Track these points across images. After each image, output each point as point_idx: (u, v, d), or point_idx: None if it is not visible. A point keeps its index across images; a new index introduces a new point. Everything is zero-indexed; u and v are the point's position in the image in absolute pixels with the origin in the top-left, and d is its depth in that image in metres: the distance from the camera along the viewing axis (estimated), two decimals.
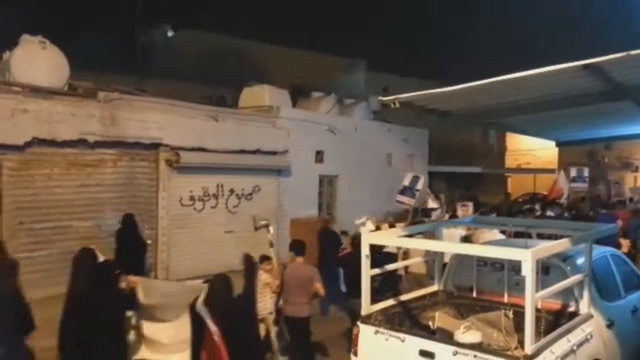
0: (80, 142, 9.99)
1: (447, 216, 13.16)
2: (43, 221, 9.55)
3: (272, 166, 13.58)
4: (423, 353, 5.05)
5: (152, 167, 11.26)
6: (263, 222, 8.18)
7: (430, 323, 6.12)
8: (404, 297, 6.52)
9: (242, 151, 12.74)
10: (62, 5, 18.36)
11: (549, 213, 13.27)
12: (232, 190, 12.71)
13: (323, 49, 21.36)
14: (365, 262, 5.75)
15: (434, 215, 13.07)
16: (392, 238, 6.64)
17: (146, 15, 20.70)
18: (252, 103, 14.53)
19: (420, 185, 11.83)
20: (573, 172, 15.97)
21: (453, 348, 4.92)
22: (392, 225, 10.95)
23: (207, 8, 21.64)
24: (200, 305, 4.85)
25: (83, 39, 18.00)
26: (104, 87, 11.18)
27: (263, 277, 7.02)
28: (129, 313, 5.55)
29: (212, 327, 4.70)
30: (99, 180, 10.34)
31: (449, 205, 15.33)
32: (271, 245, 7.38)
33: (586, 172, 15.91)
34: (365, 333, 5.56)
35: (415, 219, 11.83)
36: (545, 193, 23.10)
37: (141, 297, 5.48)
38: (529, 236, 6.87)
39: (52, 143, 9.61)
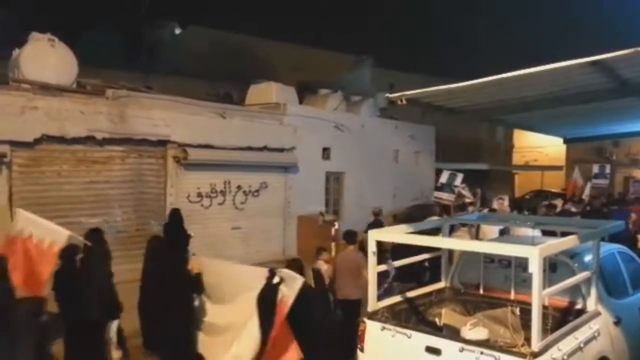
0: (89, 139, 10.06)
1: (485, 210, 13.41)
2: (52, 217, 9.51)
3: (279, 163, 13.61)
4: (429, 349, 5.06)
5: (160, 164, 11.32)
6: (330, 219, 10.10)
7: (437, 320, 6.15)
8: (411, 294, 6.54)
9: (249, 148, 12.78)
10: (70, 4, 18.45)
11: (572, 209, 13.64)
12: (239, 187, 12.76)
13: (330, 46, 21.37)
14: (372, 259, 5.77)
15: (470, 209, 13.36)
16: (398, 235, 6.65)
17: (153, 13, 20.76)
18: (259, 100, 14.57)
19: (458, 182, 12.32)
20: (595, 168, 16.19)
21: (459, 344, 4.93)
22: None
23: (213, 6, 21.67)
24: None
25: (91, 36, 18.09)
26: (112, 85, 11.25)
27: (323, 267, 7.55)
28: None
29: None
30: (107, 177, 10.42)
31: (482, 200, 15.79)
32: (333, 240, 7.96)
33: (608, 168, 16.27)
34: (372, 329, 5.58)
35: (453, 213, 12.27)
36: (554, 190, 23.12)
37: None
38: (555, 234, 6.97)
39: (61, 140, 9.69)
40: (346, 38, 21.79)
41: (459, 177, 12.38)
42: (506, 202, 13.23)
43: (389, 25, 24.70)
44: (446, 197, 12.25)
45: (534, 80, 6.62)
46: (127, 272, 7.44)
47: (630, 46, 5.25)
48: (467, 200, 13.84)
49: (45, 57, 10.14)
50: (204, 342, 5.84)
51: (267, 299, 5.16)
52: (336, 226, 8.66)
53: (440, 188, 12.49)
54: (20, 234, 6.42)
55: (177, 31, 23.65)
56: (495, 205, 13.11)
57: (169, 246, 7.08)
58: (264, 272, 5.43)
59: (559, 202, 14.70)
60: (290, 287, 5.11)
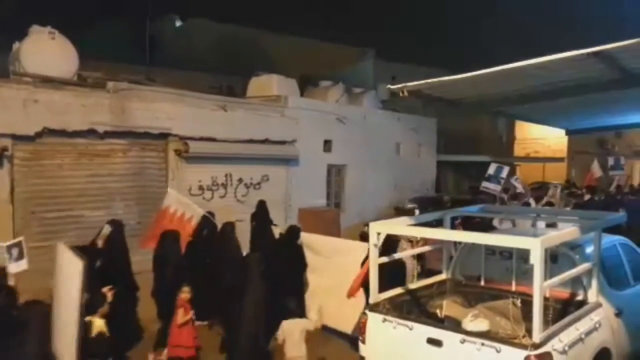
0: (90, 132, 10.05)
1: (533, 202, 14.08)
2: (54, 211, 9.65)
3: (281, 156, 13.59)
4: (431, 341, 5.08)
5: (162, 156, 11.32)
6: (411, 206, 12.07)
7: (438, 311, 6.16)
8: (412, 286, 6.55)
9: (250, 141, 12.76)
10: None
11: (596, 198, 14.35)
12: (240, 180, 12.76)
13: (331, 38, 21.26)
14: (373, 251, 5.77)
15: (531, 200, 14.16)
16: (401, 227, 6.65)
17: (155, 6, 20.68)
18: (260, 92, 14.53)
19: (504, 174, 13.38)
20: (611, 161, 16.96)
21: (461, 336, 4.94)
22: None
23: None
24: None
25: (93, 29, 18.06)
26: (113, 78, 11.23)
27: (404, 245, 8.26)
28: None
29: None
30: (109, 170, 10.42)
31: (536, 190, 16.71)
32: None
33: (623, 160, 17.05)
34: (373, 321, 5.60)
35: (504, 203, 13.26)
36: (555, 182, 23.12)
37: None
38: None
39: (62, 133, 9.68)
40: (350, 29, 21.64)
41: (505, 170, 13.42)
42: (558, 191, 14.15)
43: (394, 16, 24.57)
44: (493, 187, 13.29)
45: (536, 72, 6.61)
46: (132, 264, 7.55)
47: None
48: (518, 191, 14.64)
49: (46, 50, 10.11)
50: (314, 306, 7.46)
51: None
52: (417, 213, 9.86)
53: (487, 179, 13.50)
54: (168, 208, 8.40)
55: (178, 24, 23.61)
56: (550, 192, 14.12)
57: (255, 233, 9.55)
58: (361, 246, 7.05)
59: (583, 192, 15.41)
60: None
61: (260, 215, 10.35)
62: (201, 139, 11.69)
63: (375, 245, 5.75)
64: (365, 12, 24.13)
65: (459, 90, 7.93)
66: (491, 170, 13.60)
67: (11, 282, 5.90)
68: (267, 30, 21.35)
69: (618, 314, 5.82)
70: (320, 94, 16.47)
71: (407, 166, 17.82)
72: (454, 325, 5.46)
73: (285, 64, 17.23)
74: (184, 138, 11.39)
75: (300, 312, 6.75)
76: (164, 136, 11.22)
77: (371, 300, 5.78)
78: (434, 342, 5.05)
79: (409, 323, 5.32)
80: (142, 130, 10.77)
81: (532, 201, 13.79)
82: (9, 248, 6.25)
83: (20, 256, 6.29)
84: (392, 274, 6.47)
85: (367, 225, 6.18)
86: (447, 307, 6.18)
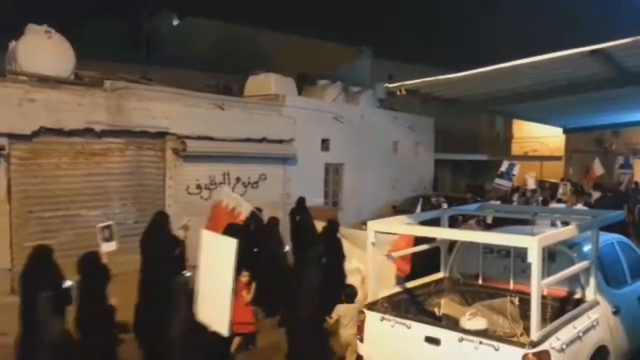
0: (87, 131, 10.03)
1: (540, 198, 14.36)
2: (51, 210, 9.62)
3: (278, 154, 13.58)
4: (429, 339, 5.07)
5: (159, 155, 11.30)
6: (441, 199, 12.83)
7: (436, 310, 6.16)
8: (410, 284, 6.54)
9: (248, 140, 12.74)
10: None
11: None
12: (238, 179, 12.75)
13: (329, 37, 21.26)
14: (371, 250, 5.76)
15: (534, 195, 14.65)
16: (398, 225, 6.64)
17: (153, 4, 20.63)
18: (257, 91, 14.51)
19: (516, 171, 14.01)
20: (620, 160, 17.88)
21: (459, 334, 4.93)
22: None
23: None
24: None
25: (90, 28, 18.00)
26: (110, 76, 11.20)
27: None
28: None
29: None
30: (106, 169, 10.40)
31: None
32: None
33: (631, 159, 17.83)
34: (372, 319, 5.59)
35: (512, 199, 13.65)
36: (552, 180, 23.20)
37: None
38: None
39: (59, 132, 9.65)
40: (345, 29, 21.67)
41: (516, 167, 14.07)
42: (568, 187, 14.63)
43: (388, 17, 24.63)
44: (504, 183, 13.93)
45: (534, 70, 6.60)
46: (127, 263, 7.50)
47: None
48: (529, 188, 15.20)
49: (42, 49, 10.09)
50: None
51: None
52: (444, 206, 10.03)
53: (500, 176, 14.09)
54: (220, 203, 9.15)
55: (176, 22, 23.56)
56: (561, 190, 14.56)
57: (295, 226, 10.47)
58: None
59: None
60: None
61: (301, 211, 11.08)
62: (199, 137, 11.67)
63: (373, 244, 5.74)
64: (362, 12, 24.14)
65: (457, 89, 7.91)
66: (503, 167, 14.09)
67: (104, 259, 6.22)
68: (264, 29, 21.33)
69: (615, 312, 5.82)
70: (318, 93, 16.46)
71: (405, 165, 17.84)
72: (452, 323, 5.45)
73: (282, 63, 17.21)
74: (181, 137, 11.38)
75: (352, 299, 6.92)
76: (162, 135, 11.20)
77: (369, 299, 5.77)
78: (432, 341, 5.04)
79: (407, 322, 5.31)
80: (139, 129, 10.75)
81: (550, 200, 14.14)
82: (102, 229, 6.64)
83: (110, 237, 6.63)
84: (431, 259, 7.01)
85: (365, 224, 6.16)
86: (445, 305, 6.18)
